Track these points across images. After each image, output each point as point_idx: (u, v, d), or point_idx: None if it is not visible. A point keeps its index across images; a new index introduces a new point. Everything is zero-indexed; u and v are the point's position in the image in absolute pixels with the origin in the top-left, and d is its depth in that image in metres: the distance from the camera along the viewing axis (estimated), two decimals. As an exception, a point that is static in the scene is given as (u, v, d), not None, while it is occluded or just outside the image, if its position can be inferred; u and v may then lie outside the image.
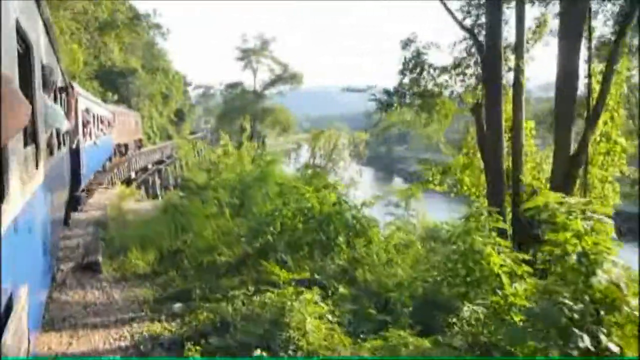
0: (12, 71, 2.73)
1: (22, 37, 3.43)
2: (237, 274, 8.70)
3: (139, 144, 40.13)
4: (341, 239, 10.28)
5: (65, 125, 6.52)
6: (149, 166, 38.48)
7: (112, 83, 44.01)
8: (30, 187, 3.47)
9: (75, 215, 13.59)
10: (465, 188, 12.62)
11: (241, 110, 64.56)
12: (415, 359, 5.61)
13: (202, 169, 17.35)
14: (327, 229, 10.19)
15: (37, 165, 4.04)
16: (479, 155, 11.56)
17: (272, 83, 63.97)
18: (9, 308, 2.41)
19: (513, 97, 10.69)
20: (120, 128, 29.42)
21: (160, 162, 42.37)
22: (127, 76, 47.86)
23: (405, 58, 12.14)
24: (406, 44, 12.33)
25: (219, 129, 72.01)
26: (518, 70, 10.49)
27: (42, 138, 4.66)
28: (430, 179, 13.53)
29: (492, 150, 10.34)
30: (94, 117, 16.77)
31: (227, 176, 16.57)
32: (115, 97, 41.75)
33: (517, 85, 10.63)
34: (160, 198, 36.55)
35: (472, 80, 11.50)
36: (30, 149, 3.76)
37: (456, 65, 11.49)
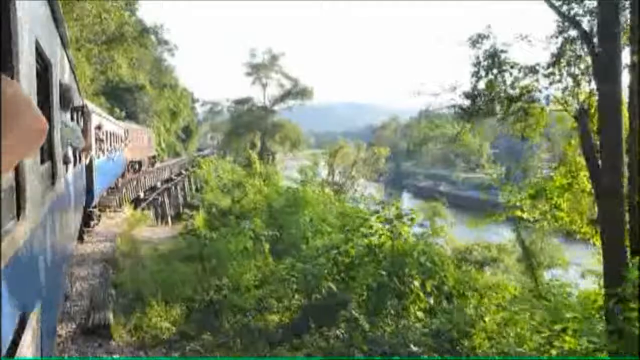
0: (31, 89, 2.66)
1: (41, 56, 3.36)
2: (297, 341, 6.26)
3: (153, 161, 39.03)
4: (416, 283, 7.90)
5: (81, 143, 6.21)
6: (158, 185, 36.23)
7: (119, 99, 41.88)
8: (45, 203, 3.34)
9: (79, 250, 11.19)
10: (562, 215, 10.17)
11: (250, 126, 62.56)
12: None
13: (224, 190, 15.00)
14: (401, 272, 7.80)
15: (53, 182, 3.98)
16: (580, 174, 9.23)
17: (282, 98, 61.95)
18: (22, 326, 2.27)
19: (630, 100, 8.33)
20: (133, 145, 28.55)
21: (169, 180, 40.05)
22: (134, 92, 45.80)
23: (477, 58, 9.82)
24: (476, 41, 10.02)
25: (227, 145, 70.11)
26: (636, 67, 8.14)
27: (59, 155, 4.51)
28: (518, 203, 11.13)
29: (609, 168, 7.96)
30: (106, 133, 16.16)
31: (254, 198, 14.18)
32: (123, 113, 39.60)
33: (636, 84, 8.26)
34: (169, 218, 34.40)
35: (569, 81, 9.14)
36: (47, 165, 3.74)
37: (554, 62, 9.13)
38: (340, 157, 32.61)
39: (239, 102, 65.94)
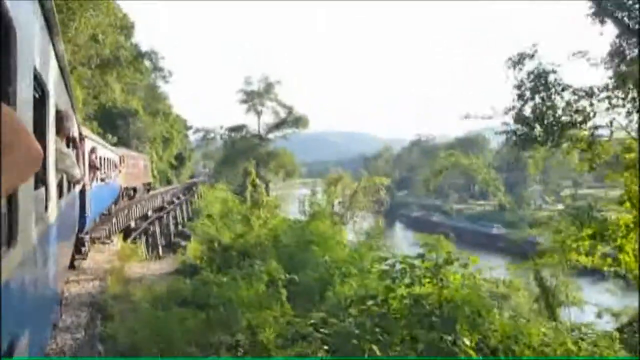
0: (27, 116, 2.66)
1: (38, 82, 3.36)
2: None
3: (148, 187, 39.06)
4: (466, 340, 6.56)
5: (76, 172, 5.97)
6: (149, 213, 34.68)
7: (111, 124, 40.61)
8: (38, 230, 3.26)
9: (65, 291, 9.69)
10: (627, 258, 8.81)
11: (244, 153, 61.41)
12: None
13: (225, 221, 13.63)
14: (451, 328, 6.46)
15: (46, 208, 3.91)
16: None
17: (277, 126, 61.00)
18: (10, 353, 2.23)
19: None
20: (129, 171, 28.23)
21: (161, 208, 38.50)
22: (127, 118, 44.57)
23: (522, 80, 8.70)
24: (518, 61, 8.93)
25: (219, 173, 68.83)
26: None
27: (53, 181, 4.43)
28: (575, 245, 9.78)
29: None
30: (100, 159, 15.73)
31: (259, 232, 12.83)
32: (115, 139, 38.28)
33: None
34: (160, 249, 32.76)
35: (628, 106, 7.99)
36: (41, 191, 3.67)
37: (616, 85, 7.97)
38: (339, 186, 31.36)
39: (233, 129, 64.93)
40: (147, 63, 44.38)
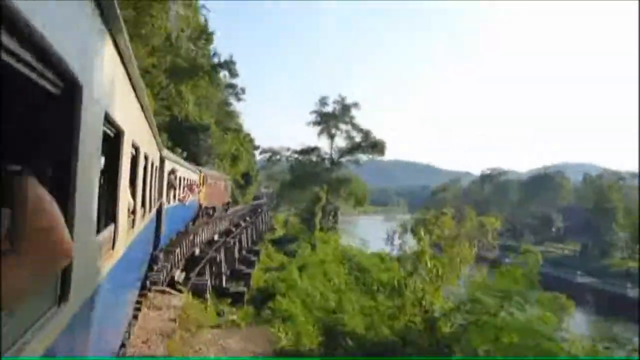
0: (97, 159, 2.75)
1: (112, 124, 3.41)
2: None
3: (226, 207, 39.11)
4: None
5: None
6: (215, 237, 30.34)
7: (182, 138, 36.87)
8: (100, 272, 3.36)
9: None
10: None
11: (313, 177, 56.73)
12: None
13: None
14: None
15: (113, 246, 4.04)
16: None
17: (350, 151, 56.04)
18: None
19: None
20: (209, 191, 27.87)
21: (227, 232, 34.19)
22: (199, 133, 40.89)
23: None
24: None
25: (284, 195, 64.47)
26: None
27: (123, 218, 4.52)
28: None
29: None
30: (179, 179, 15.90)
31: (410, 311, 7.62)
32: (185, 153, 34.42)
33: None
34: (224, 278, 28.26)
35: None
36: (108, 231, 3.78)
37: None
38: (439, 225, 25.65)
39: (302, 152, 60.58)
40: (222, 75, 40.67)
